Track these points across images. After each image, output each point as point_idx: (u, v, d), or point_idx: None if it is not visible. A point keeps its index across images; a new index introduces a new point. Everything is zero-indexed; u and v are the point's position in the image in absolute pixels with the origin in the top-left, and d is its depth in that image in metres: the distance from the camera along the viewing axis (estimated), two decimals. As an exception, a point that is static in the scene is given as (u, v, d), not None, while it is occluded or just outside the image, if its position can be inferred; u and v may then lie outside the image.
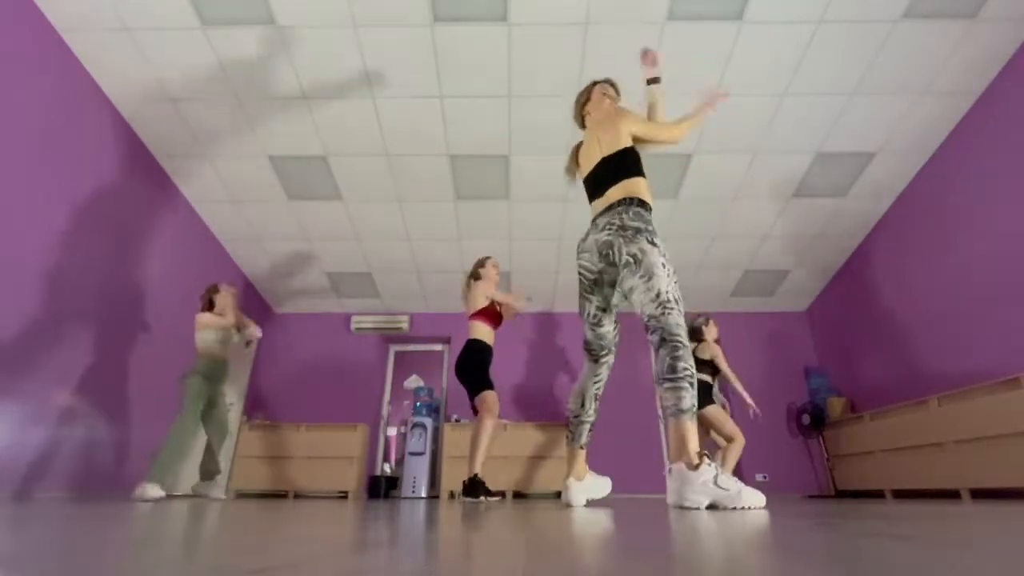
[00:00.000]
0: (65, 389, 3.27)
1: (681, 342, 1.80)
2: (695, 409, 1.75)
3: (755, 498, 1.59)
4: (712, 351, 4.04)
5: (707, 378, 4.01)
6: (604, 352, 2.20)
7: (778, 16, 3.20)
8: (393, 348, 6.16)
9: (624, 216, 2.01)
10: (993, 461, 3.20)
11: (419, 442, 5.08)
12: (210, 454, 3.74)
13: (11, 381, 2.91)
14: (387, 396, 5.92)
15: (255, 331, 4.00)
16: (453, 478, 4.73)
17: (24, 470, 3.00)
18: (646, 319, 1.89)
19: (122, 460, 3.77)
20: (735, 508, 1.55)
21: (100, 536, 0.76)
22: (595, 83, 2.51)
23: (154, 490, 3.15)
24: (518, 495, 4.86)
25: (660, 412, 5.64)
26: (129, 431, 3.84)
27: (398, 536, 0.78)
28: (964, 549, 0.54)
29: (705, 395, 3.92)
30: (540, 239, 4.97)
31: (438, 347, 6.18)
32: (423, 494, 4.91)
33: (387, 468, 5.92)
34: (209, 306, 3.85)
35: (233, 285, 4.02)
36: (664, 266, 1.90)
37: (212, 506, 2.16)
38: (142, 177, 3.94)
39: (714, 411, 3.88)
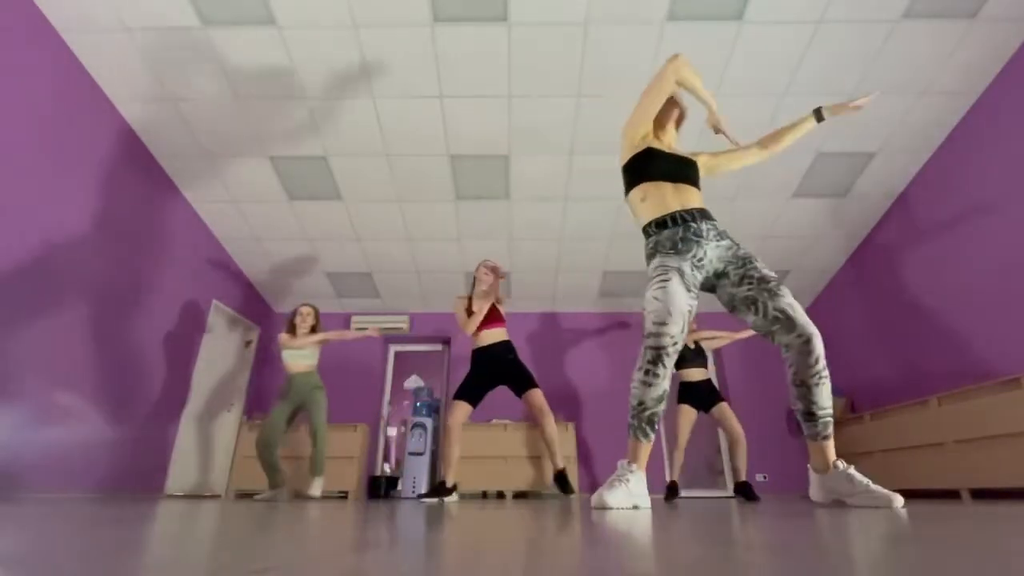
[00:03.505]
0: (68, 390, 3.27)
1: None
2: (632, 425, 1.80)
3: (621, 500, 1.66)
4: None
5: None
6: (769, 335, 1.81)
7: (778, 16, 3.20)
8: (393, 348, 6.16)
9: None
10: (993, 461, 3.20)
11: (419, 442, 5.08)
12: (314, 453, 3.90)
13: (15, 383, 2.91)
14: (387, 396, 5.92)
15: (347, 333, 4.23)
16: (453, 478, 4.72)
17: (29, 470, 3.00)
18: None
19: (127, 461, 3.77)
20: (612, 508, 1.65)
21: (102, 537, 0.76)
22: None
23: (316, 488, 3.72)
24: (519, 495, 4.86)
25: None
26: (130, 433, 3.83)
27: (398, 536, 0.78)
28: (964, 549, 0.54)
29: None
30: (540, 239, 4.97)
31: (438, 347, 6.18)
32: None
33: (387, 468, 5.92)
34: (291, 328, 4.09)
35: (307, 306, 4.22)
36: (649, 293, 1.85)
37: (212, 507, 2.16)
38: (142, 177, 3.94)
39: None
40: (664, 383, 1.75)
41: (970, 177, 3.75)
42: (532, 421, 5.29)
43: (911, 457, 3.92)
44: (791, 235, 4.89)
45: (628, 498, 1.68)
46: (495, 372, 3.37)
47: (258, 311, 5.69)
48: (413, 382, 5.66)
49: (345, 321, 6.01)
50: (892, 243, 4.55)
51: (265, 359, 5.81)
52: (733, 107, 3.73)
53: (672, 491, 3.90)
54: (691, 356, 4.03)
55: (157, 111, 3.72)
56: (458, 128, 3.89)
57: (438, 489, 3.17)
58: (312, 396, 3.92)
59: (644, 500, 1.73)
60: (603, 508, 1.65)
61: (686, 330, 1.77)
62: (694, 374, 3.99)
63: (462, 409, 3.25)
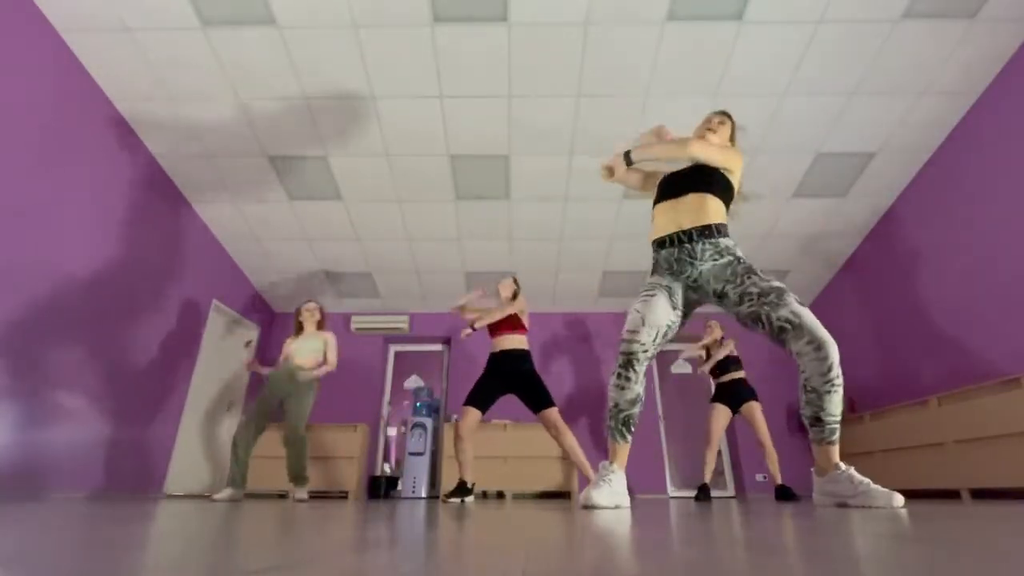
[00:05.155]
0: (67, 389, 3.27)
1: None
2: (610, 427, 1.90)
3: (607, 499, 1.74)
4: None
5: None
6: (781, 345, 1.87)
7: (778, 16, 3.20)
8: (393, 348, 6.16)
9: None
10: (993, 461, 3.20)
11: (419, 442, 5.08)
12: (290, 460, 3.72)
13: (17, 383, 2.91)
14: (387, 396, 5.92)
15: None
16: (453, 478, 4.73)
17: (36, 471, 3.00)
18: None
19: (127, 461, 3.76)
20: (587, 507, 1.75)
21: (104, 536, 0.76)
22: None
23: (301, 492, 3.59)
24: (518, 495, 4.86)
25: (660, 413, 5.65)
26: (130, 433, 3.83)
27: (398, 536, 0.78)
28: (964, 549, 0.54)
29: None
30: (540, 239, 4.97)
31: (438, 347, 6.18)
32: (423, 494, 4.91)
33: (387, 468, 5.92)
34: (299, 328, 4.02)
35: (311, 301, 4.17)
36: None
37: (213, 507, 2.16)
38: (142, 178, 3.94)
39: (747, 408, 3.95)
40: (636, 387, 1.86)
41: (970, 177, 3.75)
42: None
43: (911, 457, 3.92)
44: (791, 235, 4.89)
45: (612, 497, 1.75)
46: (508, 379, 3.33)
47: (258, 311, 5.69)
48: (413, 382, 5.67)
49: (345, 321, 6.01)
50: (892, 243, 4.55)
51: (265, 359, 5.81)
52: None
53: (704, 492, 3.78)
54: (732, 366, 4.05)
55: (157, 111, 3.72)
56: (458, 128, 3.89)
57: (460, 489, 3.18)
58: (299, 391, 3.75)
59: (624, 499, 1.79)
60: (591, 507, 1.73)
61: (659, 341, 1.87)
62: (731, 376, 4.03)
63: (472, 416, 3.23)
